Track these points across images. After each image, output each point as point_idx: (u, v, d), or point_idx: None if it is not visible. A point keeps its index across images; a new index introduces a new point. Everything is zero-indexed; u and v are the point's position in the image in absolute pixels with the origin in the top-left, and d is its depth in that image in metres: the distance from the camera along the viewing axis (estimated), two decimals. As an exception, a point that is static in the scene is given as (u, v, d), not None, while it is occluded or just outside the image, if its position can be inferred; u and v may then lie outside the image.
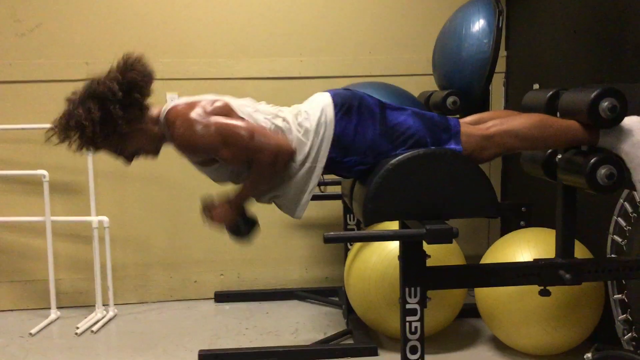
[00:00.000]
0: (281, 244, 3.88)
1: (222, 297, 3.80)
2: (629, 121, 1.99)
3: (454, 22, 3.21)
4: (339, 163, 2.05)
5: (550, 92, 2.19)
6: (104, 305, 3.58)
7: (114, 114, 1.97)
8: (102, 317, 3.49)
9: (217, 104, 2.02)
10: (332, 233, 1.77)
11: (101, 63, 3.61)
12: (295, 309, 3.64)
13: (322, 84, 3.65)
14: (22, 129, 3.52)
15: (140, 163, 3.66)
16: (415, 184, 1.89)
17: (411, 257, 2.02)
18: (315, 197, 3.25)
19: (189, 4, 3.68)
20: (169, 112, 2.04)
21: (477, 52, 3.03)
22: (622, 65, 2.68)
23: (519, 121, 2.03)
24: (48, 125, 3.49)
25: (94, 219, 3.49)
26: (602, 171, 1.95)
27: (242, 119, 2.01)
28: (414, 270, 2.04)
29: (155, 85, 3.63)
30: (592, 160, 1.95)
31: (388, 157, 1.97)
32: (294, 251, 3.91)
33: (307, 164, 2.03)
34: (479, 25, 3.05)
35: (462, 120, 2.11)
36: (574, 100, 2.03)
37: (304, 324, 3.39)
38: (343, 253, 3.47)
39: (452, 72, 3.16)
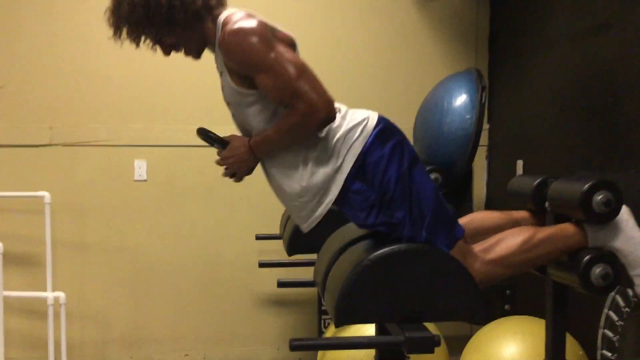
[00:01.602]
0: (252, 322, 3.66)
1: (186, 379, 3.54)
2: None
3: (436, 95, 3.10)
4: (345, 184, 1.82)
5: (538, 180, 2.04)
6: (57, 388, 3.30)
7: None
8: (54, 403, 3.21)
9: (281, 33, 1.82)
10: (297, 339, 1.56)
11: (66, 127, 3.51)
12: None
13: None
14: (-23, 196, 3.31)
15: (101, 233, 3.50)
16: (396, 283, 1.69)
17: (388, 360, 1.83)
18: (287, 284, 3.06)
19: (158, 69, 3.52)
20: (231, 14, 1.82)
21: (458, 128, 2.92)
22: (613, 147, 2.56)
23: (506, 247, 1.85)
24: (5, 193, 3.34)
25: (49, 294, 3.24)
26: (597, 270, 1.78)
27: (298, 55, 1.81)
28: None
29: (123, 152, 3.55)
30: (586, 259, 1.78)
31: (388, 206, 1.78)
32: (265, 329, 3.67)
33: (329, 168, 1.81)
34: (461, 100, 2.95)
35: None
36: (565, 192, 1.88)
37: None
38: (317, 331, 3.27)
39: (434, 146, 3.04)
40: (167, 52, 1.92)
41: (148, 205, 3.55)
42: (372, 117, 1.83)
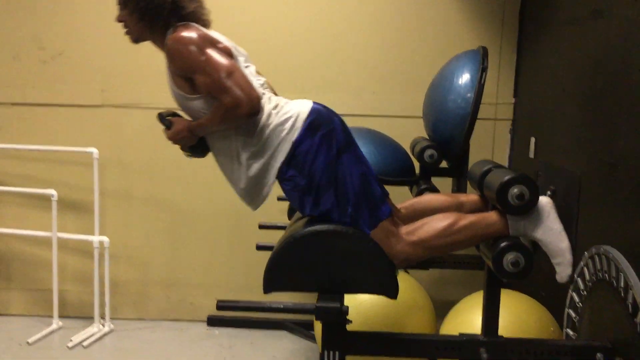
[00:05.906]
0: (277, 274, 3.97)
1: (214, 321, 3.93)
2: (540, 204, 1.94)
3: (444, 73, 3.18)
4: (280, 172, 2.07)
5: (484, 169, 2.16)
6: (101, 319, 3.79)
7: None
8: (97, 332, 3.70)
9: (222, 45, 2.11)
10: (223, 300, 1.84)
11: (116, 90, 3.89)
12: (280, 341, 3.72)
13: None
14: (37, 150, 3.80)
15: (144, 186, 3.90)
16: (317, 258, 1.92)
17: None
18: (264, 247, 3.28)
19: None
20: (179, 26, 2.13)
21: (459, 107, 2.99)
22: (599, 136, 2.60)
23: (428, 230, 2.01)
24: (61, 148, 3.79)
25: (95, 238, 3.70)
26: (509, 257, 1.92)
27: (231, 60, 2.07)
28: (333, 334, 2.07)
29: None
30: (500, 246, 1.92)
31: (316, 192, 1.99)
32: (289, 282, 3.98)
33: (263, 159, 2.07)
34: (464, 79, 3.01)
35: (395, 209, 2.10)
36: (490, 184, 2.01)
37: (280, 358, 3.47)
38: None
39: (437, 123, 3.14)
40: (118, 19, 2.25)
41: (185, 162, 3.86)
42: (303, 110, 2.03)
